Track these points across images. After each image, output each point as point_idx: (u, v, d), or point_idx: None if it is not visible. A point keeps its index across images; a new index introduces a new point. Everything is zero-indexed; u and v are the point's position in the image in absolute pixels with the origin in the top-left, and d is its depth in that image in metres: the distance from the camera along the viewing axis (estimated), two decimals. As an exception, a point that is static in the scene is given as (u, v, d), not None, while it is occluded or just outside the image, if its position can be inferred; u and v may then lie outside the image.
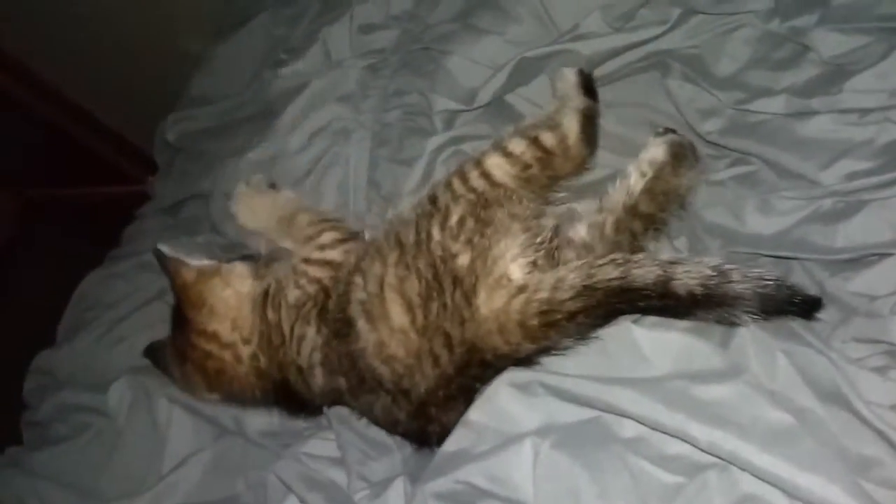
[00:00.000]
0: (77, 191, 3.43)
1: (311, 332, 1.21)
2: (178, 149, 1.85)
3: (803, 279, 1.03)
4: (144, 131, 2.32)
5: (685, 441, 0.90)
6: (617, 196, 1.19)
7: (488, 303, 1.06)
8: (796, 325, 0.96)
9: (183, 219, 1.78)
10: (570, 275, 1.04)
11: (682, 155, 1.18)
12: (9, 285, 3.23)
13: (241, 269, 1.33)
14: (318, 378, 1.21)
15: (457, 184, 1.16)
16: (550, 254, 1.11)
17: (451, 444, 1.05)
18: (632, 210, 1.17)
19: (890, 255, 0.99)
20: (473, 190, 1.15)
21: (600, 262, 1.03)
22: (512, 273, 1.08)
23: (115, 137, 3.18)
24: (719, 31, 1.23)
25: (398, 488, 1.07)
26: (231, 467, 1.34)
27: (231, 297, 1.30)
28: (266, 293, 1.29)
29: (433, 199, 1.17)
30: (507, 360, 1.06)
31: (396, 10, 1.58)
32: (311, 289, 1.25)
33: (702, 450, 0.89)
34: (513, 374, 1.05)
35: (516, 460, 0.97)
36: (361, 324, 1.14)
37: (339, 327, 1.17)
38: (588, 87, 1.25)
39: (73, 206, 3.47)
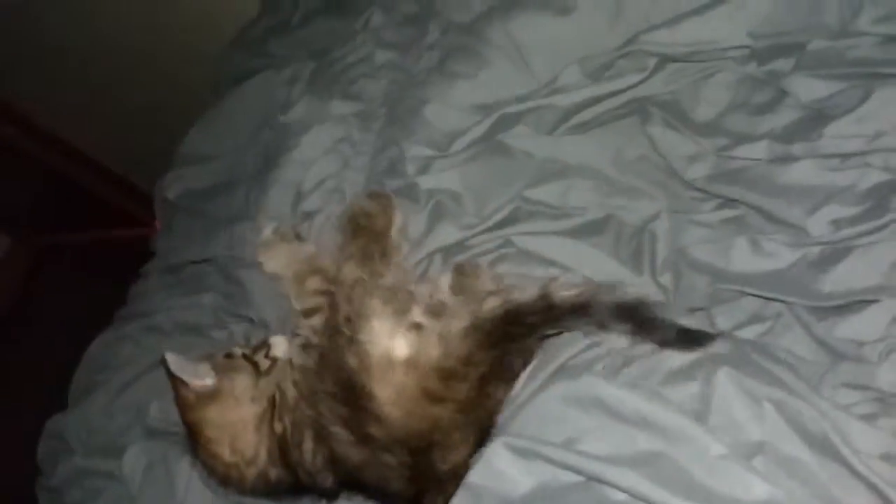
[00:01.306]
0: (88, 236, 3.49)
1: (307, 440, 1.23)
2: (179, 207, 1.87)
3: (791, 322, 1.05)
4: (151, 176, 2.35)
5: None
6: None
7: (385, 391, 1.08)
8: (783, 372, 0.97)
9: (186, 278, 1.80)
10: (454, 324, 1.08)
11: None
12: (25, 335, 3.28)
13: (240, 387, 1.30)
14: (322, 479, 1.22)
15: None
16: (432, 305, 1.14)
17: (454, 506, 1.07)
18: None
19: (877, 301, 0.99)
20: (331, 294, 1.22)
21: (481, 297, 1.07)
22: (395, 350, 1.09)
23: (122, 183, 3.23)
24: (697, 77, 1.25)
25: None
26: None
27: (228, 425, 1.29)
28: (272, 406, 1.29)
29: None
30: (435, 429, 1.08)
31: (381, 60, 1.60)
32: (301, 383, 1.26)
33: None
34: (510, 439, 1.06)
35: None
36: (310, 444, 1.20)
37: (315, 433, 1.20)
38: None
39: (85, 251, 3.52)
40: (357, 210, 1.32)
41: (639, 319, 1.04)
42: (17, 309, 3.47)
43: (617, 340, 1.08)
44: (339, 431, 1.13)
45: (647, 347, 1.07)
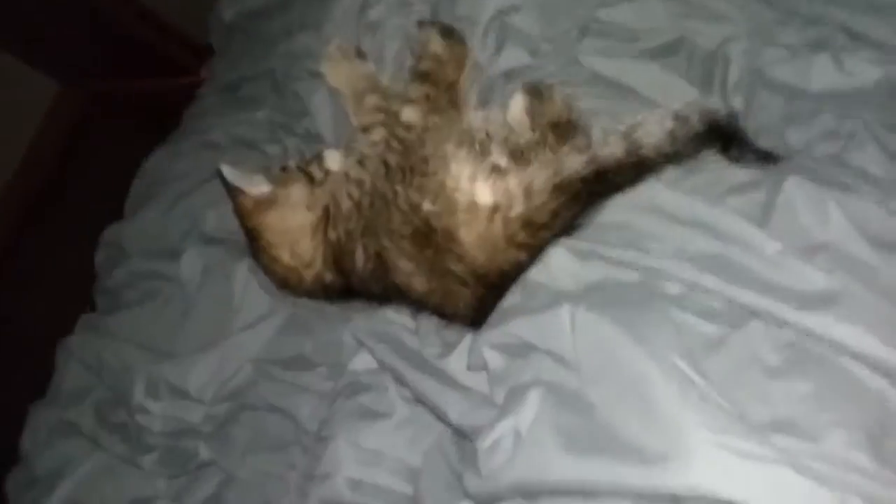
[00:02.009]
0: (136, 84, 3.48)
1: (358, 250, 1.26)
2: (233, 29, 1.85)
3: (866, 139, 1.03)
4: (200, 23, 2.32)
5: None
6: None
7: (471, 235, 1.09)
8: (853, 179, 0.97)
9: (242, 97, 1.80)
10: (538, 177, 1.06)
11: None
12: (75, 178, 3.33)
13: (296, 195, 1.33)
14: (374, 286, 1.26)
15: (391, 143, 1.24)
16: (505, 146, 1.12)
17: (508, 300, 1.09)
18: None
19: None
20: (402, 141, 1.22)
21: (563, 154, 1.06)
22: (479, 196, 1.09)
23: (170, 29, 3.20)
24: None
25: (465, 343, 1.13)
26: (301, 329, 1.40)
27: (287, 231, 1.33)
28: (327, 214, 1.31)
29: (384, 162, 1.22)
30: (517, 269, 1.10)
31: None
32: (356, 196, 1.28)
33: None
34: (571, 241, 1.09)
35: (556, 319, 1.01)
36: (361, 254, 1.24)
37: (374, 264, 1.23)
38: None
39: (133, 99, 3.52)
40: (428, 52, 1.30)
41: (729, 137, 1.04)
42: (67, 155, 3.51)
43: None
44: (405, 265, 1.16)
45: (715, 156, 1.07)
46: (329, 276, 1.33)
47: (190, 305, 1.52)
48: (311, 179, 1.34)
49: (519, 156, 1.11)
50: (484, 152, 1.11)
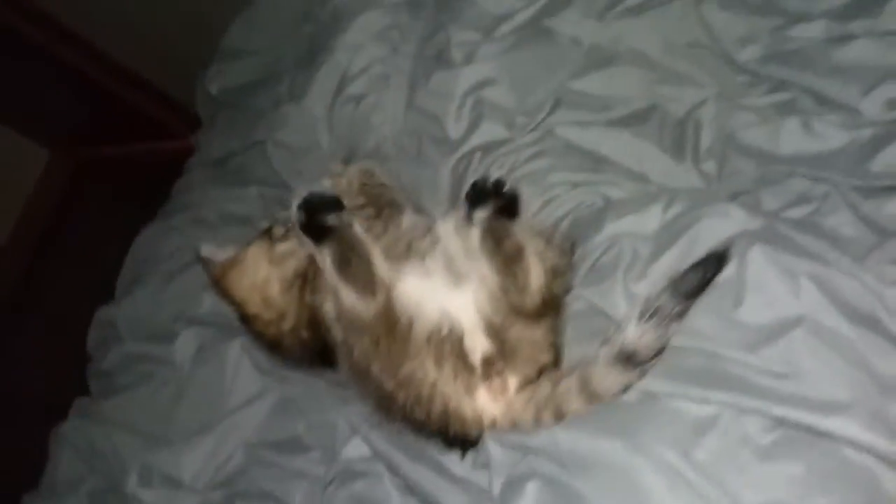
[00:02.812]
0: (126, 149, 3.51)
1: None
2: (222, 102, 1.88)
3: (838, 202, 1.04)
4: (189, 88, 2.35)
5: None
6: None
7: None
8: (823, 247, 0.97)
9: (231, 170, 1.82)
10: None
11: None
12: (66, 244, 3.34)
13: (254, 251, 1.35)
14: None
15: None
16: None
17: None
18: None
19: (928, 179, 0.98)
20: None
21: (560, 388, 1.03)
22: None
23: (159, 94, 3.23)
24: (754, -43, 1.21)
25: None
26: (294, 410, 1.39)
27: (253, 286, 1.34)
28: (304, 278, 1.32)
29: None
30: None
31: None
32: None
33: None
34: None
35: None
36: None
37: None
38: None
39: (123, 164, 3.54)
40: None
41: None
42: (57, 222, 3.52)
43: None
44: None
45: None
46: (306, 334, 1.32)
47: (183, 388, 1.51)
48: (269, 236, 1.36)
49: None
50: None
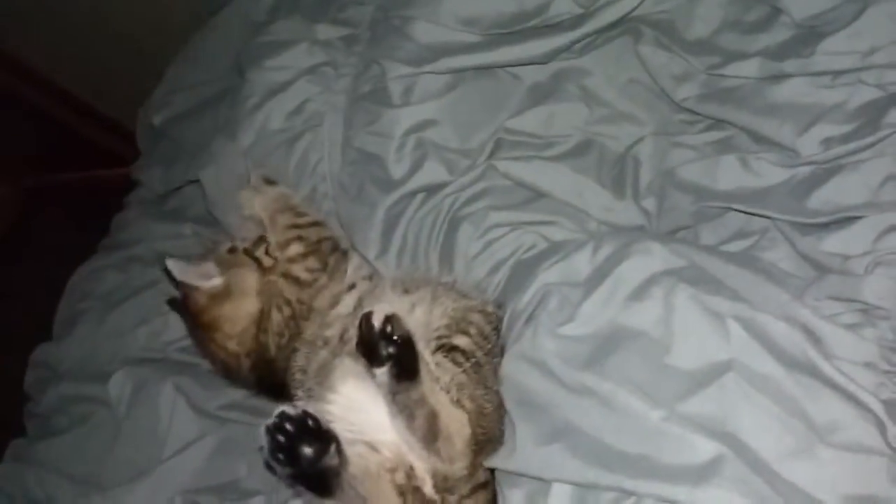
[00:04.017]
0: (74, 176, 3.45)
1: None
2: (160, 134, 1.84)
3: (776, 238, 1.05)
4: (135, 115, 2.32)
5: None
6: None
7: None
8: (755, 285, 0.96)
9: (169, 209, 1.79)
10: None
11: None
12: (12, 277, 3.26)
13: (248, 282, 1.33)
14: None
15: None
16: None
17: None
18: None
19: (863, 216, 0.99)
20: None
21: None
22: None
23: (108, 121, 3.18)
24: (691, -5, 1.22)
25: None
26: (234, 452, 1.37)
27: (238, 319, 1.32)
28: (260, 314, 1.31)
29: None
30: None
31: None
32: (286, 313, 1.29)
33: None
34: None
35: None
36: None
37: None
38: None
39: (72, 192, 3.48)
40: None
41: None
42: (4, 252, 3.44)
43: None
44: None
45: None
46: (257, 375, 1.33)
47: (119, 431, 1.47)
48: (260, 265, 1.34)
49: None
50: None
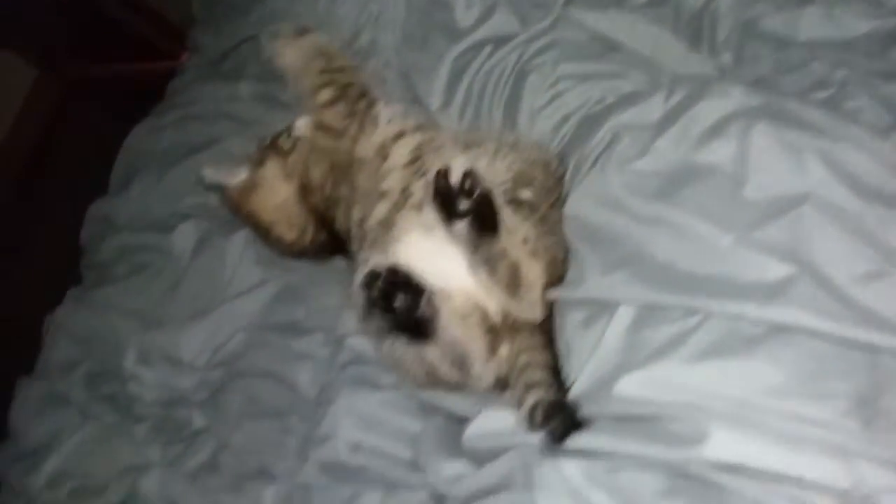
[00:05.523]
0: (114, 68, 3.44)
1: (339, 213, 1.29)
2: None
3: (857, 87, 1.03)
4: (178, 7, 2.31)
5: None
6: None
7: None
8: (835, 122, 0.96)
9: (225, 70, 1.79)
10: None
11: None
12: (54, 164, 3.29)
13: (271, 171, 1.36)
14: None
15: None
16: None
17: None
18: None
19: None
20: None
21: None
22: None
23: (149, 13, 3.16)
24: None
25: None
26: (294, 297, 1.41)
27: (277, 207, 1.36)
28: (301, 186, 1.33)
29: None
30: None
31: None
32: (325, 163, 1.31)
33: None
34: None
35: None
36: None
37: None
38: None
39: (112, 84, 3.48)
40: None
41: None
42: (44, 143, 3.47)
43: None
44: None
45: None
46: (323, 237, 1.36)
47: (181, 277, 1.51)
48: (279, 151, 1.36)
49: None
50: None
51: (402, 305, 1.00)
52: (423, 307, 1.02)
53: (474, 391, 1.09)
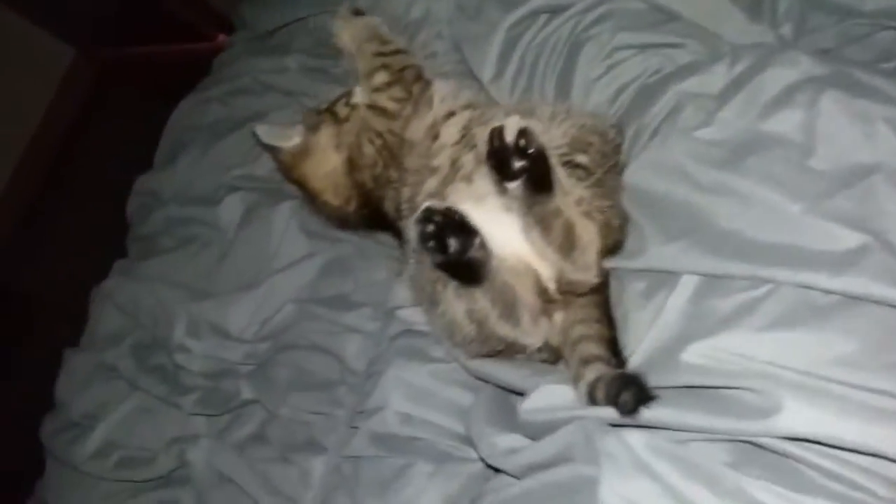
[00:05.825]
0: (151, 50, 3.46)
1: (389, 194, 1.28)
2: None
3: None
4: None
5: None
6: None
7: None
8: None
9: (272, 45, 1.79)
10: None
11: None
12: (90, 143, 3.33)
13: (324, 139, 1.35)
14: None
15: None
16: None
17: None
18: None
19: None
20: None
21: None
22: None
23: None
24: None
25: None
26: (342, 270, 1.41)
27: (326, 175, 1.35)
28: (349, 159, 1.33)
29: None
30: None
31: None
32: (377, 144, 1.29)
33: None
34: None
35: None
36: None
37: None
38: None
39: (150, 65, 3.51)
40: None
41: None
42: (81, 123, 3.51)
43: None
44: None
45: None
46: (366, 211, 1.35)
47: (228, 249, 1.52)
48: (335, 118, 1.35)
49: None
50: None
51: (455, 245, 0.99)
52: (476, 249, 1.01)
53: (524, 355, 1.08)
